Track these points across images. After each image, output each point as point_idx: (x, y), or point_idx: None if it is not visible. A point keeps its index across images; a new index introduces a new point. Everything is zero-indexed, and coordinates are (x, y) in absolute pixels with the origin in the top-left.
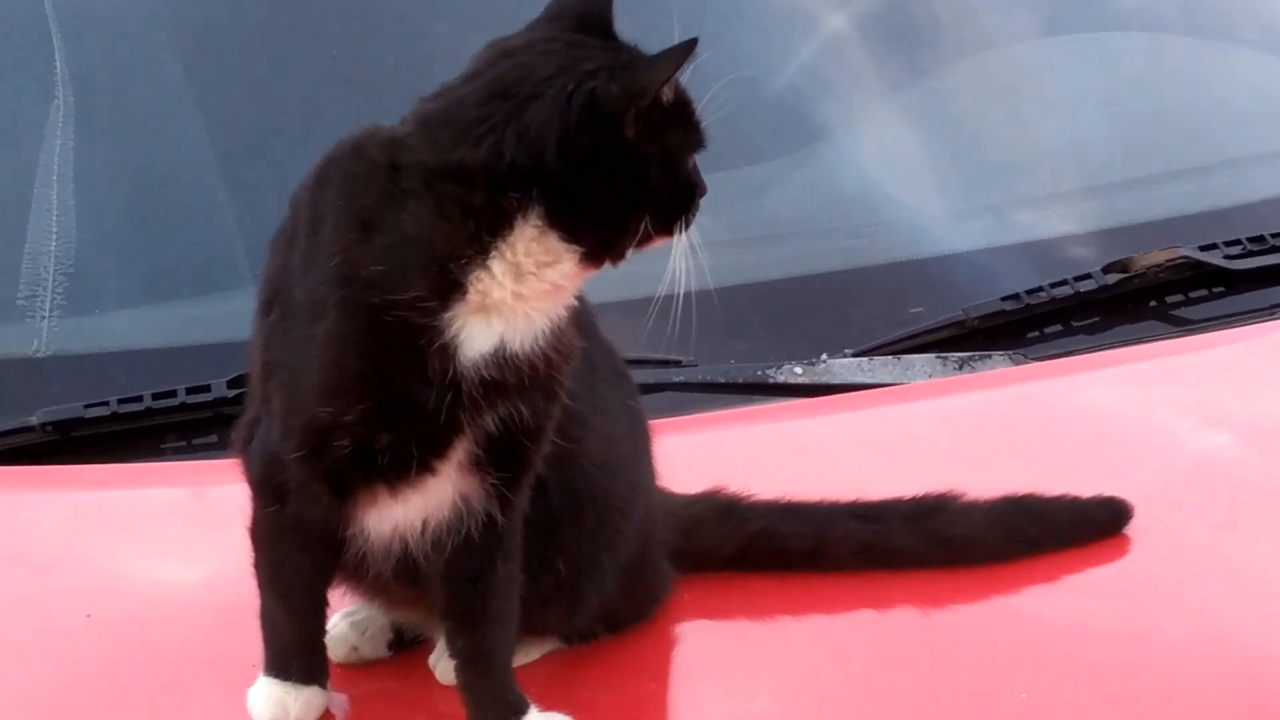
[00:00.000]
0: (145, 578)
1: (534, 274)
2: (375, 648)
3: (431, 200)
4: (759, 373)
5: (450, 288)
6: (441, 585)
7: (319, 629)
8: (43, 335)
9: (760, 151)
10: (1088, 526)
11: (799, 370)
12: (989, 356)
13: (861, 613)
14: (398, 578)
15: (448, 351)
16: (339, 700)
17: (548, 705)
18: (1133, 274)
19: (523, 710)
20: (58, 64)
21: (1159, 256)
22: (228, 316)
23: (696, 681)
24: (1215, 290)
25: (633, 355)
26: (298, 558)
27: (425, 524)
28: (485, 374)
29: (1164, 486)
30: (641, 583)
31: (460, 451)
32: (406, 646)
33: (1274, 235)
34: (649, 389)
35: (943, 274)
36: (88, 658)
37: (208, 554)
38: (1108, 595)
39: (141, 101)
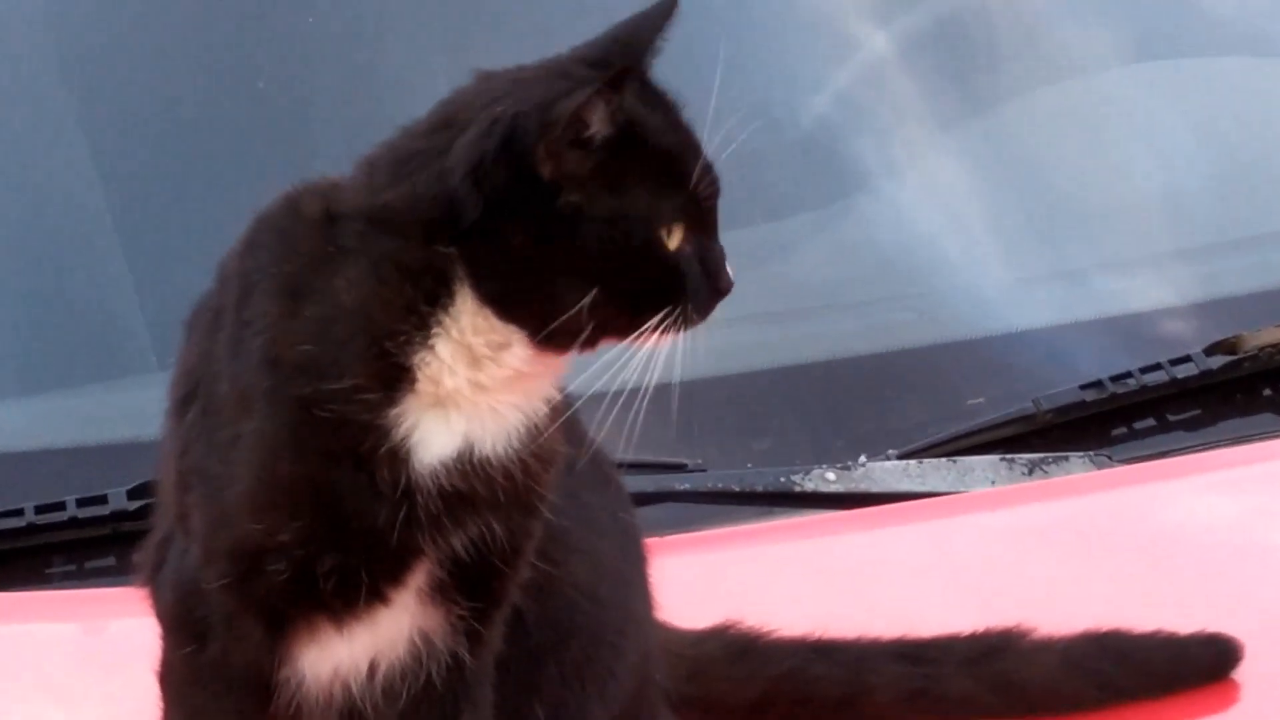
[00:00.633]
0: None
1: (490, 358)
2: None
3: (365, 259)
4: (782, 479)
5: (395, 374)
6: None
7: None
8: None
9: (784, 203)
10: (1187, 670)
11: (831, 476)
12: (1065, 458)
13: None
14: None
15: (398, 456)
16: None
17: None
18: (1241, 356)
19: None
20: None
21: (1274, 334)
22: (128, 410)
23: None
24: None
25: (626, 457)
26: (217, 708)
27: (374, 666)
28: (447, 484)
29: None
30: None
31: (420, 577)
32: None
33: None
34: (647, 499)
35: (1008, 356)
36: None
37: (103, 703)
38: None
39: (20, 148)
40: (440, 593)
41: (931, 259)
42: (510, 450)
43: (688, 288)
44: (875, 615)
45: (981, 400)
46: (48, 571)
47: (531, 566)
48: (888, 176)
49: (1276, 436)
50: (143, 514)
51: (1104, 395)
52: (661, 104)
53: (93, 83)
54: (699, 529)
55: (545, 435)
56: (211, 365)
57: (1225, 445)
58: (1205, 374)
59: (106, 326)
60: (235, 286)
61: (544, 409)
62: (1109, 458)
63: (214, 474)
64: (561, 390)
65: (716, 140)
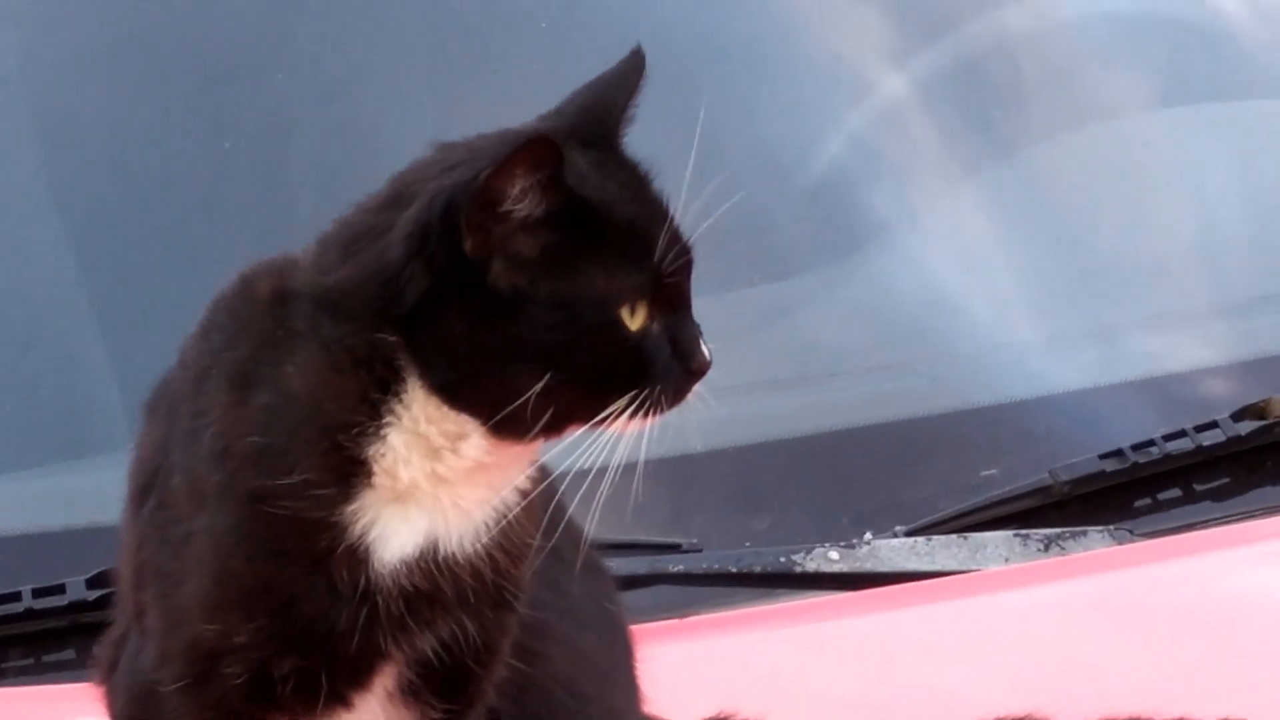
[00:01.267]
0: None
1: (447, 448)
2: None
3: (314, 344)
4: (783, 559)
5: (349, 468)
6: None
7: None
8: None
9: (784, 262)
10: None
11: (835, 555)
12: (1083, 533)
13: None
14: None
15: (356, 555)
16: None
17: None
18: (1272, 421)
19: None
20: None
21: None
22: (89, 492)
23: None
24: None
25: (615, 538)
26: None
27: None
28: (409, 584)
29: None
30: None
31: (386, 678)
32: None
33: None
34: (638, 581)
35: (1022, 424)
36: None
37: None
38: None
39: None
40: (411, 694)
41: (940, 322)
42: (478, 545)
43: (656, 370)
44: (881, 703)
45: (994, 472)
46: (2, 666)
47: (509, 662)
48: (894, 233)
49: None
50: (104, 604)
51: (1125, 465)
52: (624, 173)
53: (64, 153)
54: (694, 613)
55: (517, 527)
56: (169, 455)
57: (1256, 517)
58: (1233, 440)
59: (71, 399)
60: (191, 372)
61: (515, 499)
62: (1130, 532)
63: (168, 571)
64: (540, 472)
65: (697, 202)
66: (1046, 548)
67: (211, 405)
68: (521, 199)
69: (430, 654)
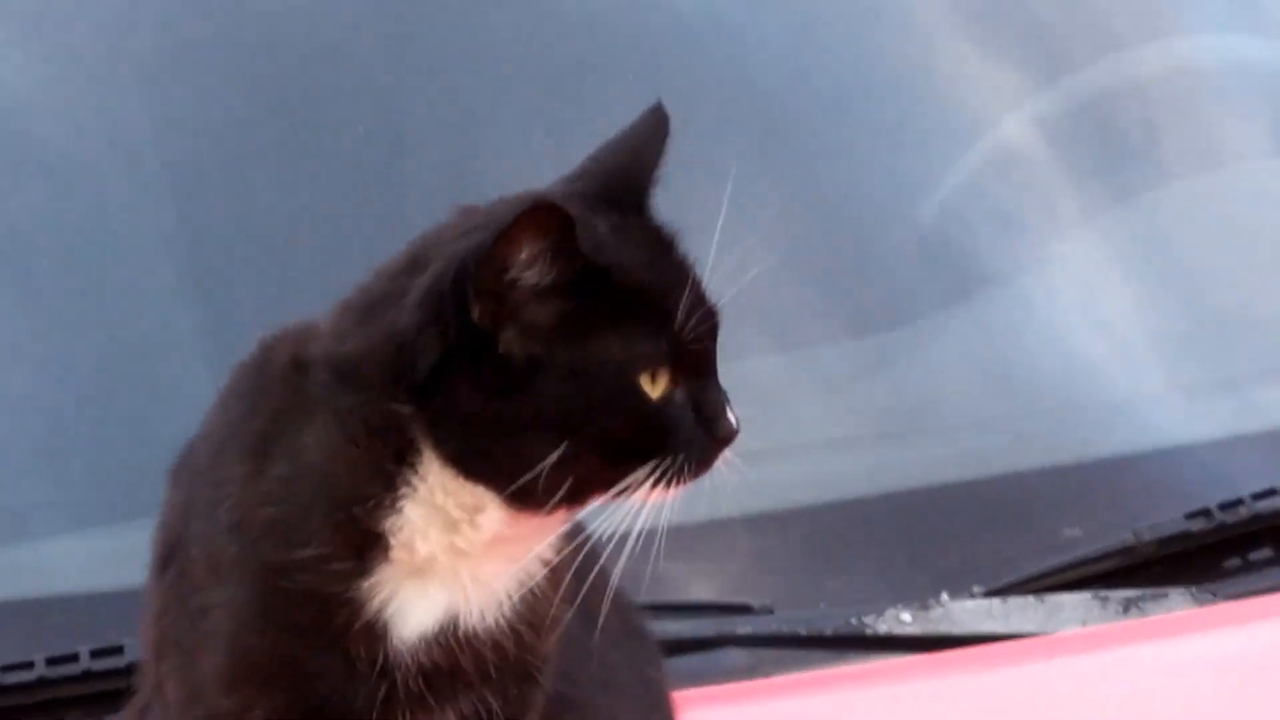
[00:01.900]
0: None
1: (465, 520)
2: None
3: (330, 414)
4: (854, 620)
5: (366, 541)
6: None
7: None
8: None
9: (863, 320)
10: None
11: (908, 617)
12: (1165, 595)
13: None
14: None
15: (374, 631)
16: None
17: None
18: None
19: None
20: None
21: None
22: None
23: None
24: None
25: (683, 599)
26: None
27: None
28: (428, 661)
29: None
30: None
31: None
32: None
33: None
34: (707, 644)
35: (1106, 482)
36: None
37: None
38: None
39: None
40: None
41: (1020, 377)
42: (499, 619)
43: (679, 438)
44: None
45: (1076, 532)
46: None
47: None
48: (981, 291)
49: None
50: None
51: (1211, 525)
52: (646, 237)
53: (194, 217)
54: (763, 676)
55: (540, 599)
56: (190, 524)
57: None
58: None
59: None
60: (213, 441)
61: (538, 569)
62: (1213, 594)
63: (187, 643)
64: (571, 537)
65: (728, 261)
66: (1126, 610)
67: (230, 475)
68: (529, 266)
69: None
